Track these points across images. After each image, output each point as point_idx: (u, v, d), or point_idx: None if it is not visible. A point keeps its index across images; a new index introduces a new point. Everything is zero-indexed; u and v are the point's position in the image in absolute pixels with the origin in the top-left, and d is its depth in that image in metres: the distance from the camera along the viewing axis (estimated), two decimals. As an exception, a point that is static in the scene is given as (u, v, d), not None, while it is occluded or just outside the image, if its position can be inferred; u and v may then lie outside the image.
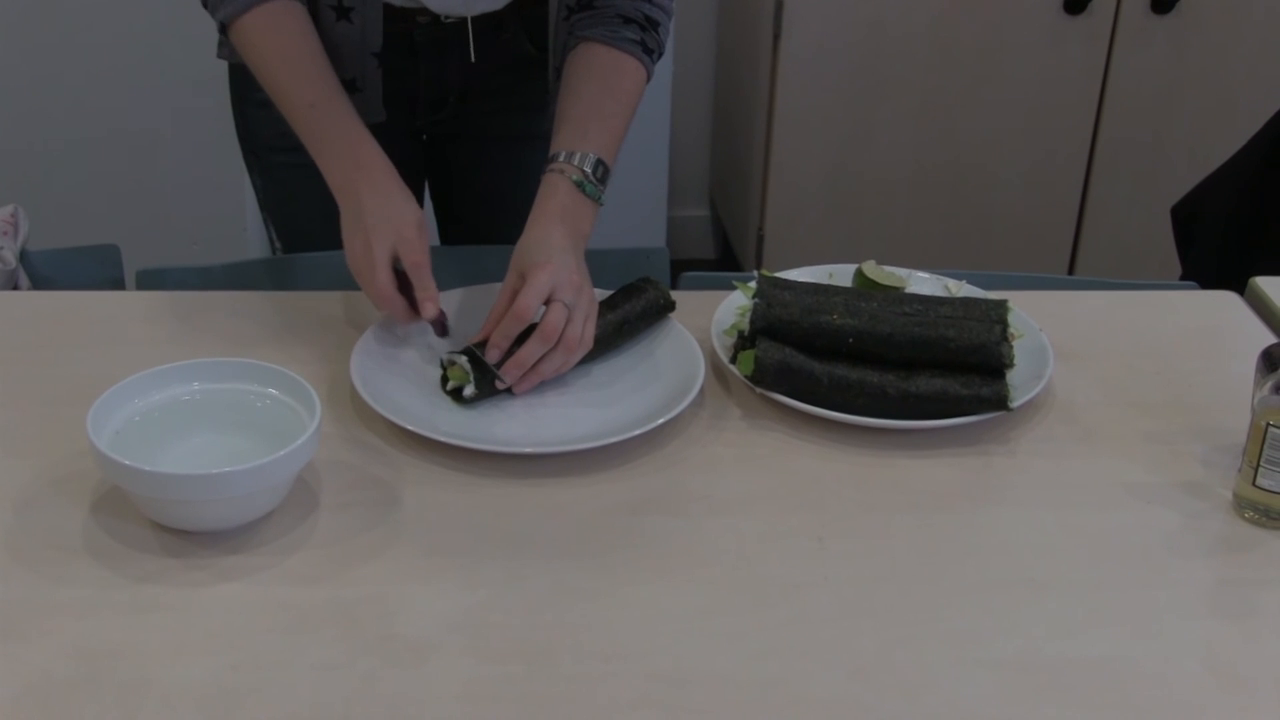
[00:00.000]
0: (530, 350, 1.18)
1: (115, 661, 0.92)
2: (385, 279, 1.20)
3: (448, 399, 1.21)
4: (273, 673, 0.91)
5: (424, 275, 1.20)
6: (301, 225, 1.57)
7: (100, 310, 1.36)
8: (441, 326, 1.23)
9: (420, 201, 1.64)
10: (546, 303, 1.19)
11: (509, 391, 1.20)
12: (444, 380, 1.21)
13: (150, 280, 1.47)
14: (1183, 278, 2.06)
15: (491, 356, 1.19)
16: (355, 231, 1.22)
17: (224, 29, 1.32)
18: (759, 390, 1.21)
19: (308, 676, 0.91)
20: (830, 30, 2.62)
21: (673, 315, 1.31)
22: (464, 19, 1.42)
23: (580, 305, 1.20)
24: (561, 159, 1.28)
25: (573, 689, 0.91)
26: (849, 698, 0.91)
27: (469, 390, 1.19)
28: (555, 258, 1.21)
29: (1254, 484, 1.08)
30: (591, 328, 1.22)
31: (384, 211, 1.21)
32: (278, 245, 1.59)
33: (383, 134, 1.32)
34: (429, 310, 1.20)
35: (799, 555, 1.05)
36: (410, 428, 1.13)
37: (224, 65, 1.53)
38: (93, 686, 0.90)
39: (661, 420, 1.16)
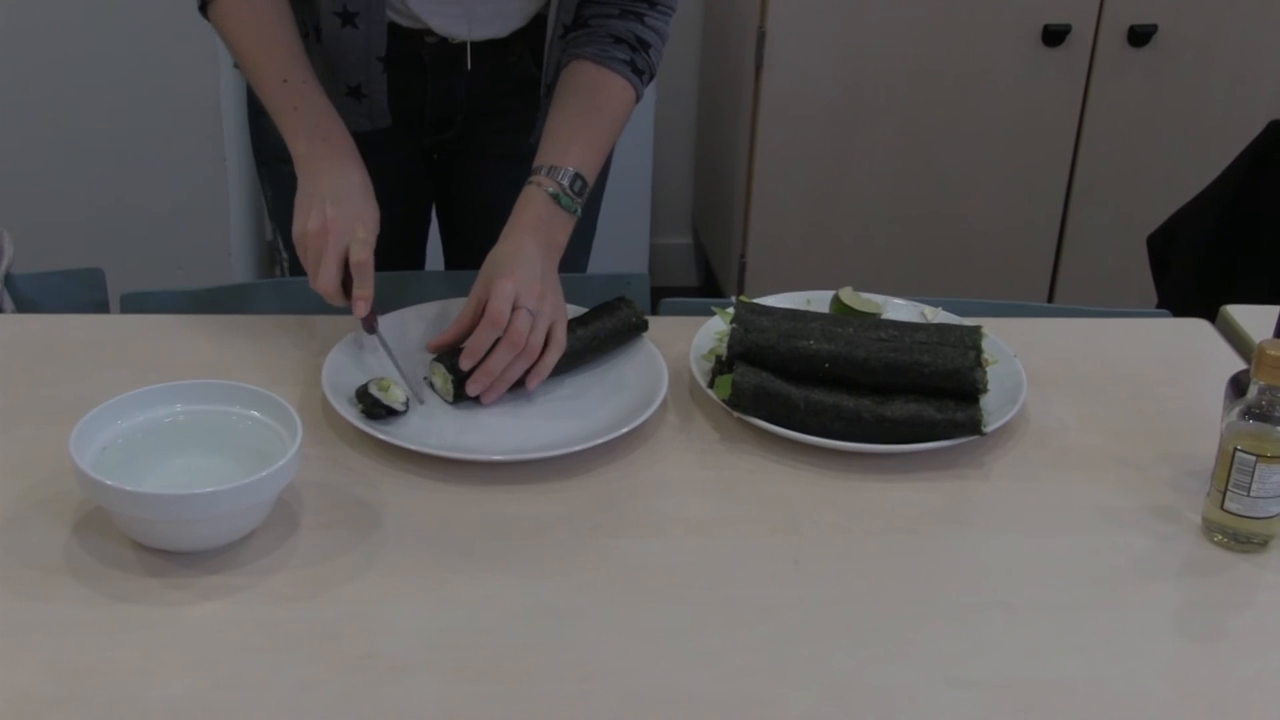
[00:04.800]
0: (498, 358, 1.21)
1: (96, 680, 0.92)
2: (334, 275, 1.24)
3: (424, 410, 1.23)
4: (253, 691, 0.92)
5: (365, 275, 1.24)
6: None
7: (84, 333, 1.37)
8: (370, 325, 1.27)
9: (427, 218, 1.67)
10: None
11: (477, 400, 1.23)
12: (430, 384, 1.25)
13: (134, 303, 1.48)
14: (1159, 306, 2.09)
15: (465, 364, 1.22)
16: (312, 212, 1.25)
17: (204, 10, 1.35)
18: (736, 414, 1.22)
19: (287, 695, 0.92)
20: (811, 61, 2.65)
21: (650, 339, 1.33)
22: (470, 42, 1.45)
23: (544, 312, 1.24)
24: (541, 173, 1.31)
25: (549, 708, 0.92)
26: (822, 717, 0.92)
27: (399, 405, 1.20)
28: (519, 269, 1.24)
29: (1222, 508, 1.09)
30: (561, 331, 1.25)
31: (346, 204, 1.25)
32: (285, 256, 1.61)
33: (391, 150, 1.33)
34: (360, 309, 1.24)
35: (774, 577, 1.06)
36: (382, 437, 1.16)
37: (215, 83, 1.55)
38: (74, 705, 0.90)
39: (624, 430, 1.18)
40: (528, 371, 1.24)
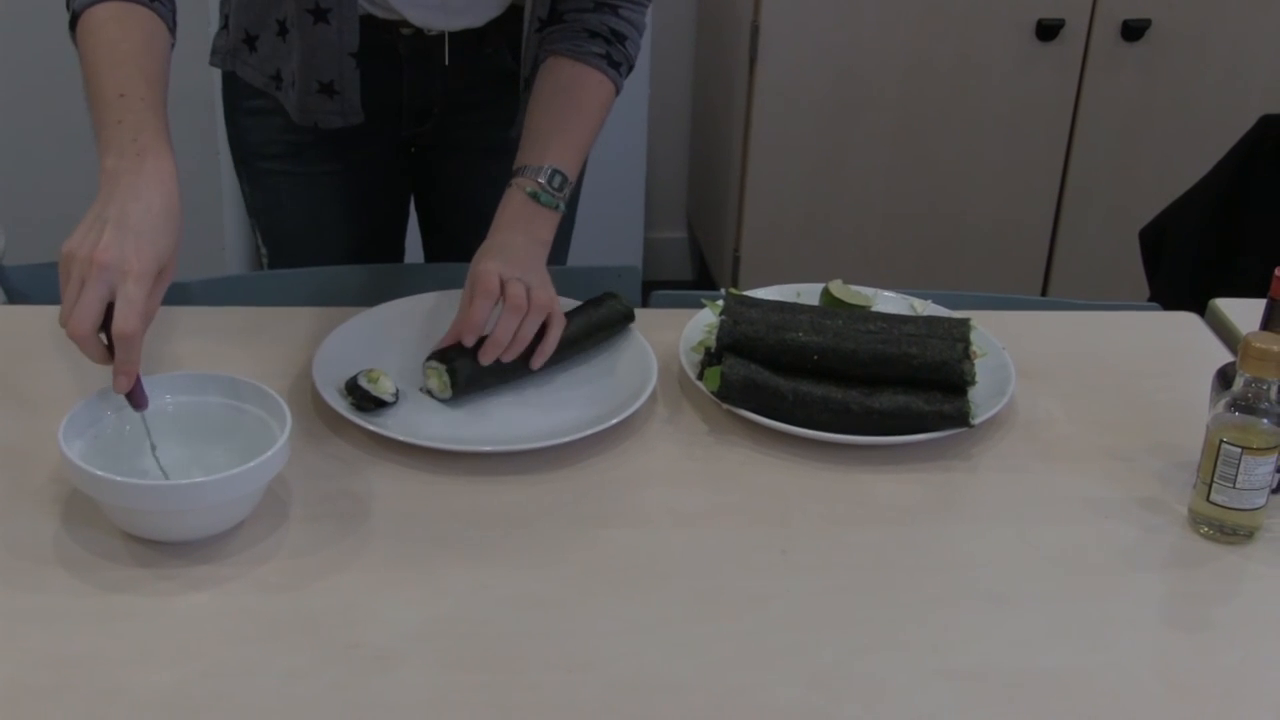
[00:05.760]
0: (504, 326, 1.22)
1: (85, 670, 0.93)
2: (88, 318, 1.03)
3: (413, 402, 1.23)
4: (241, 681, 0.92)
5: (127, 349, 1.04)
6: (288, 231, 1.59)
7: (75, 325, 1.37)
8: (139, 398, 1.09)
9: (405, 212, 1.67)
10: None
11: (476, 395, 1.24)
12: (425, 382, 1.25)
13: (125, 296, 1.47)
14: (1151, 299, 2.09)
15: (469, 340, 1.22)
16: (89, 234, 1.06)
17: (74, 24, 1.23)
18: (725, 406, 1.23)
19: (275, 685, 0.92)
20: (805, 55, 2.65)
21: (639, 331, 1.33)
22: (446, 32, 1.45)
23: (536, 280, 1.25)
24: (519, 174, 1.32)
25: (537, 698, 0.92)
26: (809, 707, 0.93)
27: (389, 396, 1.21)
28: (500, 254, 1.26)
29: (1208, 500, 1.10)
30: (553, 295, 1.26)
31: (127, 233, 1.06)
32: (264, 251, 1.61)
33: (370, 144, 1.31)
34: (120, 384, 1.06)
35: (762, 567, 1.06)
36: (371, 428, 1.16)
37: (207, 79, 1.54)
38: (63, 695, 0.90)
39: (613, 421, 1.19)
40: (532, 350, 1.24)
